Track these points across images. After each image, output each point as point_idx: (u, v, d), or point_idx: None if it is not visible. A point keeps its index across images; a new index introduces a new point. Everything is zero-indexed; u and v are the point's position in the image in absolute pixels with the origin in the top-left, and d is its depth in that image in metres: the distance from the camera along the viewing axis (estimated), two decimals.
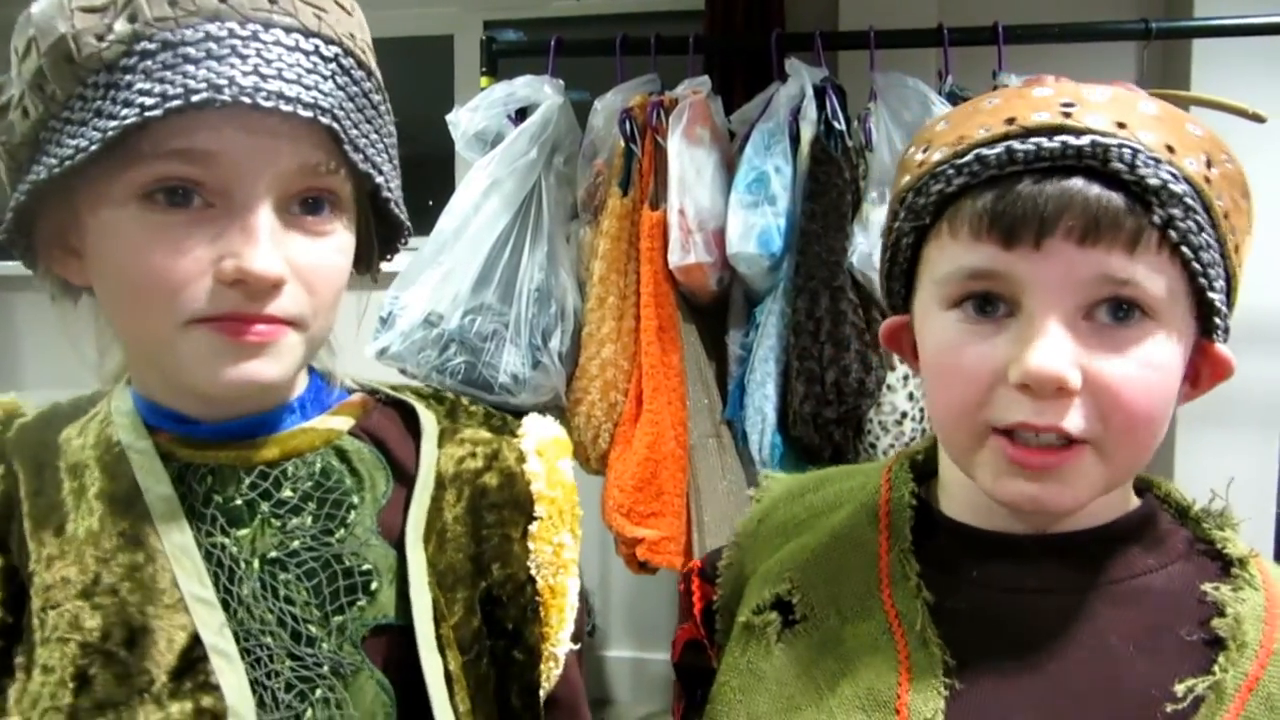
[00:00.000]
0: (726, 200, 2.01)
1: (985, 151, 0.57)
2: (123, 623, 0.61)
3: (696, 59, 2.25)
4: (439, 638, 0.66)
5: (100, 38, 0.56)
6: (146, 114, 0.55)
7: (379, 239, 0.73)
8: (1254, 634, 0.57)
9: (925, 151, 0.61)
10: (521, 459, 0.74)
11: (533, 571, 0.73)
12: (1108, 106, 0.56)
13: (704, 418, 2.10)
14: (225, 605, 0.63)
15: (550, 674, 0.76)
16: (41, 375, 3.03)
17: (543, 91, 2.10)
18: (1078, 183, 0.54)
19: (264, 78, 0.56)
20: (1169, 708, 0.55)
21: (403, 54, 3.17)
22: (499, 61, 2.28)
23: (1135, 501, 0.65)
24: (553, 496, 0.74)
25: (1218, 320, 0.59)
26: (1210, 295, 0.57)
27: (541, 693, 0.76)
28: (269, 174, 0.59)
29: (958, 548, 0.65)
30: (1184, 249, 0.55)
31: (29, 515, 0.65)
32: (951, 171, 0.58)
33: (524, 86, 2.11)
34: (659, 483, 2.05)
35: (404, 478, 0.70)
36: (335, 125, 0.59)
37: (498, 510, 0.72)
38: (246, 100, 0.55)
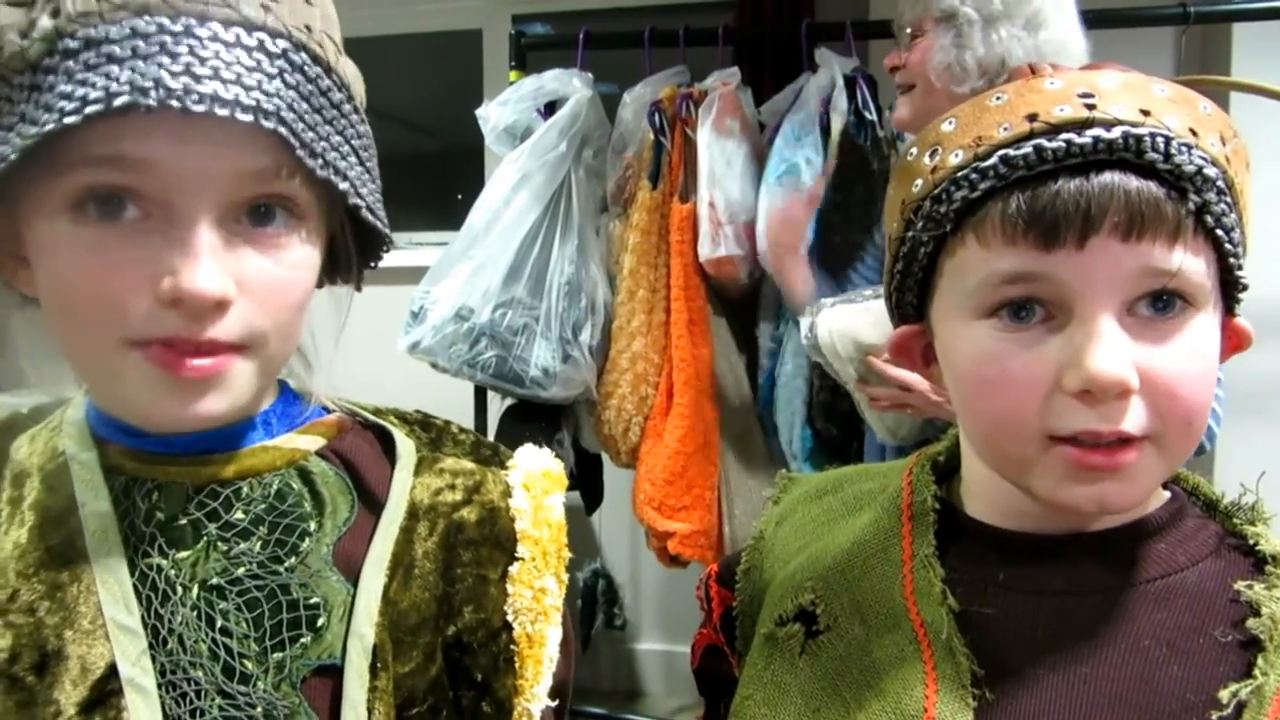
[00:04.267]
0: (757, 192, 1.99)
1: (1011, 152, 0.54)
2: (35, 645, 0.57)
3: (726, 50, 2.24)
4: (372, 689, 0.60)
5: (24, 34, 0.52)
6: (65, 119, 0.49)
7: (359, 247, 0.67)
8: None
9: (935, 155, 0.59)
10: (507, 493, 0.69)
11: (509, 617, 0.67)
12: (1126, 93, 0.54)
13: (735, 411, 2.09)
14: (155, 633, 0.58)
15: None
16: None
17: (571, 85, 2.10)
18: (1116, 176, 0.53)
19: (196, 78, 0.50)
20: (1214, 715, 0.54)
21: (431, 49, 3.18)
22: (527, 55, 2.28)
23: (1163, 496, 0.63)
24: (537, 536, 0.68)
25: (1240, 295, 0.58)
26: (1239, 274, 0.57)
27: None
28: (208, 184, 0.54)
29: (983, 550, 0.63)
30: (1219, 232, 0.54)
31: None
32: (975, 175, 0.56)
33: (553, 80, 2.11)
34: (690, 476, 2.05)
35: (372, 505, 0.65)
36: (283, 129, 0.53)
37: (474, 548, 0.67)
38: (175, 104, 0.50)
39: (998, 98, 0.57)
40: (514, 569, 0.67)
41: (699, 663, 0.81)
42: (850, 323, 1.55)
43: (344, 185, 0.58)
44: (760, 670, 0.67)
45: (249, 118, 0.52)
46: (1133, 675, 0.57)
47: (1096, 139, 0.53)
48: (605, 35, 2.24)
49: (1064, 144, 0.53)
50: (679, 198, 2.06)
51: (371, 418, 0.71)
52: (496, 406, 2.23)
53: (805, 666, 0.65)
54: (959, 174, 0.56)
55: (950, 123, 0.59)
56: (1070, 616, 0.59)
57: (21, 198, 0.56)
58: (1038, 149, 0.54)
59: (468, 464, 0.69)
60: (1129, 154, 0.53)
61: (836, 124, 1.96)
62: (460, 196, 2.95)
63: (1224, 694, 0.54)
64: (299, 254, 0.59)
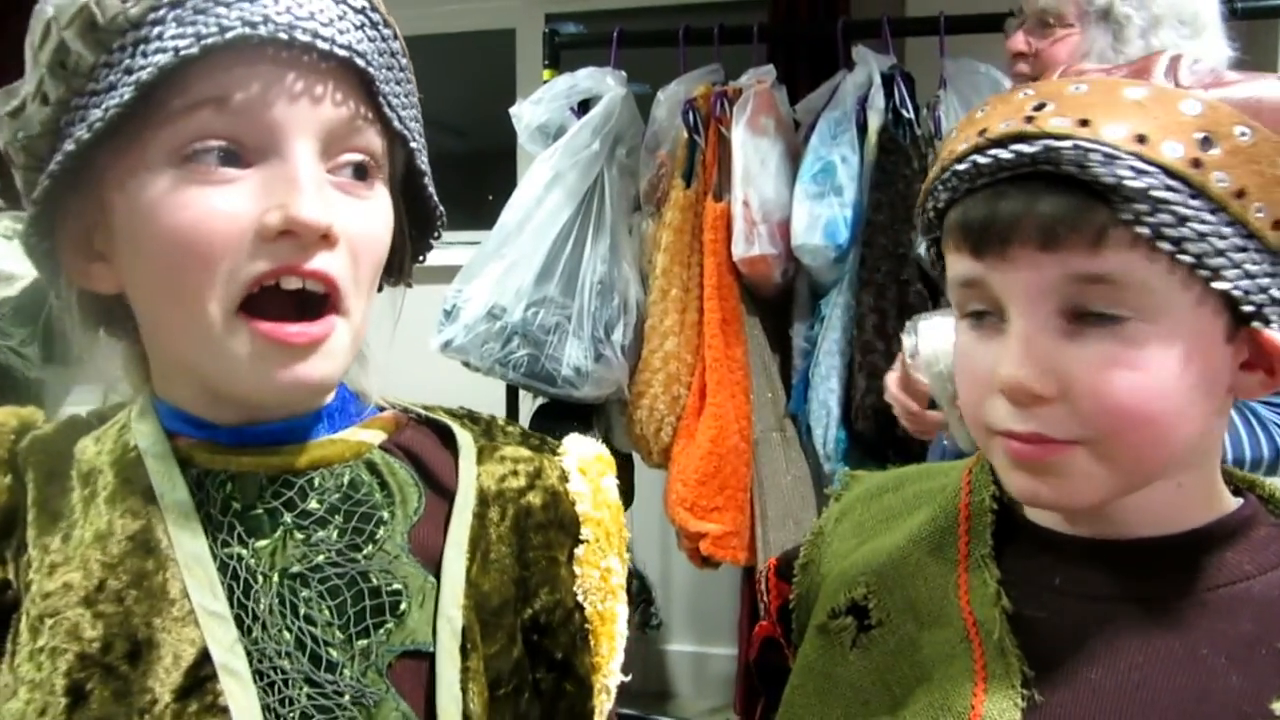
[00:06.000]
0: (791, 191, 1.98)
1: (958, 166, 0.58)
2: (126, 634, 0.57)
3: (760, 48, 2.23)
4: (465, 670, 0.61)
5: None
6: (182, 54, 0.53)
7: (410, 234, 0.70)
8: None
9: (936, 165, 0.64)
10: (564, 478, 0.70)
11: (580, 597, 0.69)
12: (1079, 102, 0.55)
13: (768, 411, 2.08)
14: (239, 621, 0.58)
15: (602, 707, 0.70)
16: None
17: (605, 83, 2.10)
18: (1035, 189, 0.55)
19: (298, 17, 0.56)
20: None
21: (465, 48, 3.19)
22: (561, 54, 2.29)
23: (1233, 503, 0.62)
24: (599, 518, 0.70)
25: (1247, 308, 0.55)
26: (1219, 285, 0.54)
27: None
28: (308, 120, 0.57)
29: (1039, 553, 0.63)
30: (1162, 244, 0.53)
31: (34, 523, 0.60)
32: (939, 187, 0.60)
33: (586, 79, 2.11)
34: (722, 477, 2.04)
35: (440, 494, 0.66)
36: (370, 70, 0.58)
37: (544, 531, 0.68)
38: (283, 36, 0.55)
39: (981, 110, 0.60)
40: (580, 551, 0.69)
41: (757, 654, 0.81)
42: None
43: (414, 144, 0.63)
44: (811, 661, 0.68)
45: (344, 54, 0.57)
46: (1188, 684, 0.56)
47: (1019, 154, 0.55)
48: (639, 34, 2.24)
49: (993, 159, 0.56)
50: (713, 196, 2.05)
51: (424, 413, 0.73)
52: (528, 406, 2.23)
53: (856, 659, 0.65)
54: (933, 185, 0.61)
55: (954, 133, 0.62)
56: (1126, 622, 0.58)
57: (112, 168, 0.57)
58: (974, 164, 0.57)
59: (524, 451, 0.71)
60: (1050, 167, 0.54)
61: (874, 122, 1.95)
62: (492, 196, 2.96)
63: (1276, 705, 0.53)
64: (384, 207, 0.62)
